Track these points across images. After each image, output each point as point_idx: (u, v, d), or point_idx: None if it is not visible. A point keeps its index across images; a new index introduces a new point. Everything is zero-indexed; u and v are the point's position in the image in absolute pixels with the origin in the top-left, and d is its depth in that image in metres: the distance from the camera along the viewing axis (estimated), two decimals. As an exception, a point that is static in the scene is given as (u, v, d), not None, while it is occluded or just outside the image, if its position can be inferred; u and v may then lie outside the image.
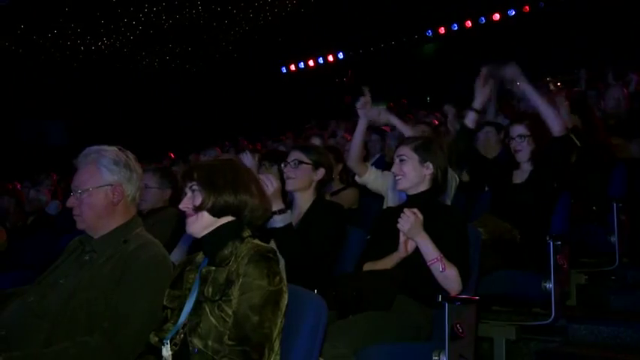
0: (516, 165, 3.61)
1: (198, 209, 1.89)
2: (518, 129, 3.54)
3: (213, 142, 5.95)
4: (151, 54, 13.96)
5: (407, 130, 3.84)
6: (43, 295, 2.08)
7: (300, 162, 3.01)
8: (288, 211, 2.79)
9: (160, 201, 3.67)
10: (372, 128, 5.77)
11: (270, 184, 2.63)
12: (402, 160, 2.76)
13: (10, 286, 2.54)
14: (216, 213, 1.90)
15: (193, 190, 1.92)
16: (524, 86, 3.47)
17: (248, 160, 3.45)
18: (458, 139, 3.74)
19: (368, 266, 2.61)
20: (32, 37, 12.24)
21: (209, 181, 1.91)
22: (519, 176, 3.58)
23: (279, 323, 1.76)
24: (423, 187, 2.74)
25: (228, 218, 1.92)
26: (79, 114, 13.23)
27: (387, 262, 2.57)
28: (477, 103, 3.56)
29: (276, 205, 2.66)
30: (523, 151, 3.53)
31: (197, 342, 1.75)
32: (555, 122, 3.42)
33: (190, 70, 14.71)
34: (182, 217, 3.37)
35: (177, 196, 3.83)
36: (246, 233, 1.93)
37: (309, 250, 2.71)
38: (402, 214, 2.53)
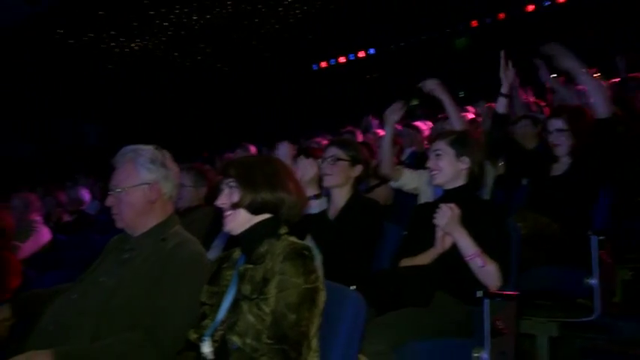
0: (555, 158, 3.53)
1: (235, 206, 1.89)
2: (557, 123, 3.47)
3: (245, 140, 5.96)
4: (182, 54, 14.10)
5: (455, 113, 3.80)
6: (86, 292, 2.12)
7: (338, 158, 3.00)
8: (324, 197, 2.78)
9: (196, 199, 3.70)
10: (403, 122, 5.72)
11: (310, 168, 2.64)
12: (437, 155, 2.73)
13: (54, 283, 2.59)
14: (253, 210, 1.89)
15: (231, 187, 1.91)
16: (571, 64, 3.46)
17: (284, 149, 3.43)
18: (492, 128, 3.70)
19: (405, 262, 2.58)
20: (69, 41, 12.50)
21: (247, 178, 1.90)
22: (558, 169, 3.50)
23: (316, 321, 1.75)
24: (460, 181, 2.71)
25: (265, 215, 1.92)
26: (115, 115, 13.46)
27: (425, 258, 2.54)
28: (504, 88, 3.60)
29: (313, 190, 2.66)
30: (562, 145, 3.46)
31: (236, 339, 1.75)
32: (602, 102, 3.41)
33: (222, 69, 14.82)
34: (217, 215, 3.43)
35: (212, 194, 3.87)
36: (283, 230, 1.92)
37: (345, 244, 2.70)
38: (438, 209, 2.50)
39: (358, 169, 3.03)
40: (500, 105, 3.59)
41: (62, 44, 12.43)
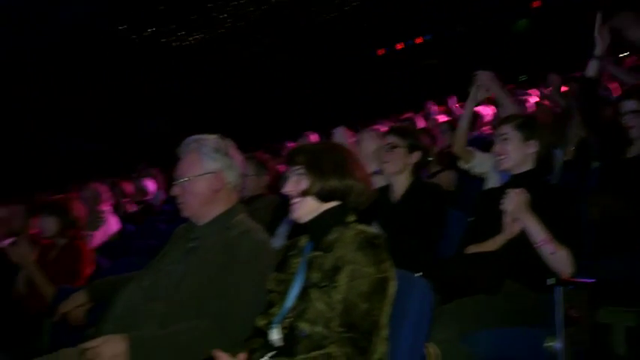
0: (629, 141, 3.37)
1: (304, 194, 1.88)
2: (631, 104, 3.30)
3: (304, 129, 5.97)
4: (240, 46, 14.26)
5: (509, 104, 3.68)
6: (155, 280, 2.17)
7: (395, 146, 3.00)
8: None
9: (258, 188, 3.73)
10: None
11: (371, 141, 2.63)
12: (504, 139, 2.66)
13: (124, 271, 2.67)
14: (321, 198, 1.88)
15: (298, 175, 1.90)
16: None
17: (340, 135, 3.43)
18: (580, 95, 3.50)
19: (472, 249, 2.53)
20: (131, 36, 12.86)
21: (315, 165, 1.88)
22: (633, 151, 3.34)
23: (387, 310, 1.73)
24: (527, 166, 2.64)
25: (333, 203, 1.90)
26: (177, 107, 13.75)
27: (492, 245, 2.48)
28: (598, 50, 3.37)
29: (375, 166, 2.65)
30: (637, 127, 3.29)
31: (305, 327, 1.75)
32: None
33: (280, 59, 14.90)
34: (280, 203, 3.46)
35: (275, 183, 3.90)
36: (351, 218, 1.90)
37: (408, 230, 2.68)
38: (506, 195, 2.43)
39: (416, 156, 3.03)
40: (592, 68, 3.35)
41: (125, 40, 12.79)
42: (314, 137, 5.36)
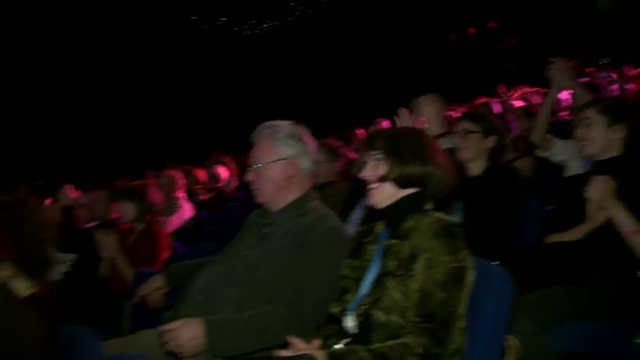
0: None
1: (382, 179, 1.84)
2: None
3: (377, 116, 5.91)
4: (311, 33, 14.30)
5: (585, 96, 3.49)
6: (230, 265, 2.20)
7: (469, 131, 2.95)
8: (450, 136, 2.72)
9: (330, 175, 3.73)
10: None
11: (430, 104, 2.58)
12: (587, 124, 2.52)
13: (199, 256, 2.73)
14: (400, 184, 1.83)
15: (377, 160, 1.86)
16: None
17: (404, 116, 3.34)
18: None
19: (553, 238, 2.42)
20: (202, 25, 13.14)
21: (395, 150, 1.83)
22: None
23: (464, 300, 1.69)
24: (613, 152, 2.50)
25: (412, 190, 1.85)
26: (250, 95, 13.95)
27: (575, 234, 2.37)
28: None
29: (438, 129, 2.60)
30: None
31: (380, 315, 1.73)
32: None
33: (350, 46, 14.83)
34: (352, 190, 3.44)
35: (346, 170, 3.88)
36: (429, 206, 1.85)
37: (484, 216, 2.60)
38: (590, 182, 2.31)
39: (491, 141, 2.96)
40: None
41: (196, 30, 13.09)
42: (385, 124, 5.28)
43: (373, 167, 1.86)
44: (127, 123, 12.43)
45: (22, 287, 1.84)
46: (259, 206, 2.37)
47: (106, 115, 12.20)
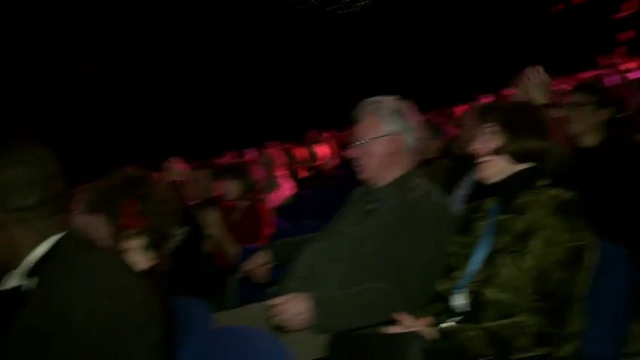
0: None
1: (497, 152, 1.77)
2: None
3: (478, 91, 5.72)
4: (401, 12, 14.07)
5: None
6: (334, 241, 2.20)
7: (580, 104, 2.79)
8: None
9: (430, 152, 3.64)
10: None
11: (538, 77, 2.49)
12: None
13: (302, 233, 2.76)
14: (515, 158, 1.76)
15: (491, 132, 1.79)
16: None
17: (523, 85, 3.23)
18: None
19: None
20: (297, 7, 13.24)
21: (511, 123, 1.77)
22: None
23: (583, 281, 1.60)
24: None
25: (526, 165, 1.78)
26: (347, 73, 13.95)
27: None
28: None
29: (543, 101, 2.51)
30: None
31: (492, 292, 1.67)
32: None
33: (450, 20, 14.43)
34: (453, 167, 3.34)
35: (447, 146, 3.78)
36: (544, 182, 1.76)
37: (604, 192, 2.45)
38: None
39: (605, 113, 2.77)
40: None
41: (289, 10, 13.22)
42: (486, 100, 5.10)
43: (486, 140, 1.79)
44: (228, 103, 12.79)
45: (144, 259, 1.91)
46: (359, 184, 2.35)
47: (209, 96, 12.63)
